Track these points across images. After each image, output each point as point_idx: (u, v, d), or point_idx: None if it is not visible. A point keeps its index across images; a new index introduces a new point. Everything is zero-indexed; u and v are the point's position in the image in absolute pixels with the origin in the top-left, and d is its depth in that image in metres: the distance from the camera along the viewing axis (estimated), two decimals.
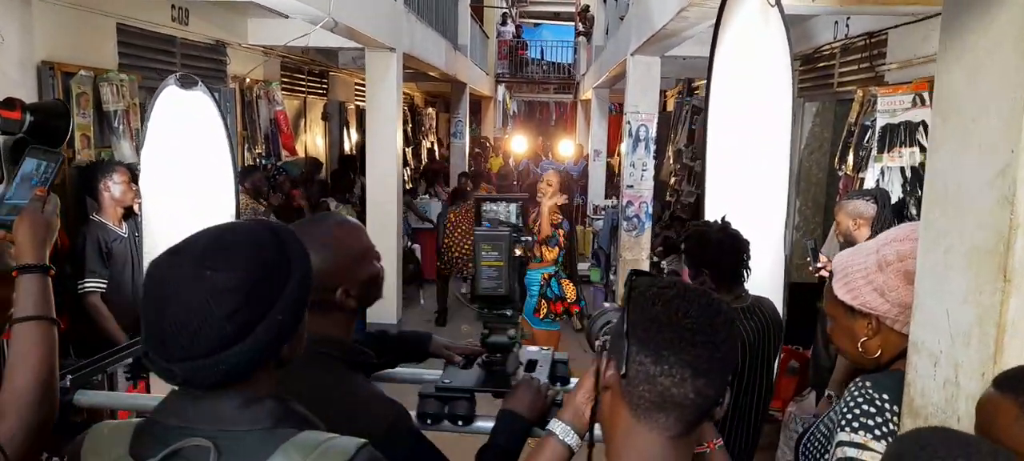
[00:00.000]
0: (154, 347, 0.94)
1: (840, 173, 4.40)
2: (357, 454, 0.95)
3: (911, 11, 3.84)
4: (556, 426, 1.23)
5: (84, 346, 3.32)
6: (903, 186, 3.64)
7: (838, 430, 1.38)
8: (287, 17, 5.71)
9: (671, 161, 9.16)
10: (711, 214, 2.78)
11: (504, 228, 1.69)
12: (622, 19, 8.05)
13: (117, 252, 3.55)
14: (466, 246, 6.89)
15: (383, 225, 6.25)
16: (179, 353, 0.93)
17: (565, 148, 14.74)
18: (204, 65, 5.57)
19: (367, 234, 1.48)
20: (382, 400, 1.37)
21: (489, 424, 1.51)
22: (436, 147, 14.26)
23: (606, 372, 1.06)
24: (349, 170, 7.70)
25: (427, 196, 9.37)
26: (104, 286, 3.47)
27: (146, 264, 3.34)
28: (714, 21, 2.85)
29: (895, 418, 1.36)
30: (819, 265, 3.60)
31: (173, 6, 5.07)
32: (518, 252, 1.65)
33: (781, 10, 3.04)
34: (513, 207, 1.81)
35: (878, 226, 3.31)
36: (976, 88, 1.17)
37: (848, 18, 4.79)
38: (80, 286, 3.42)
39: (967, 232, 1.17)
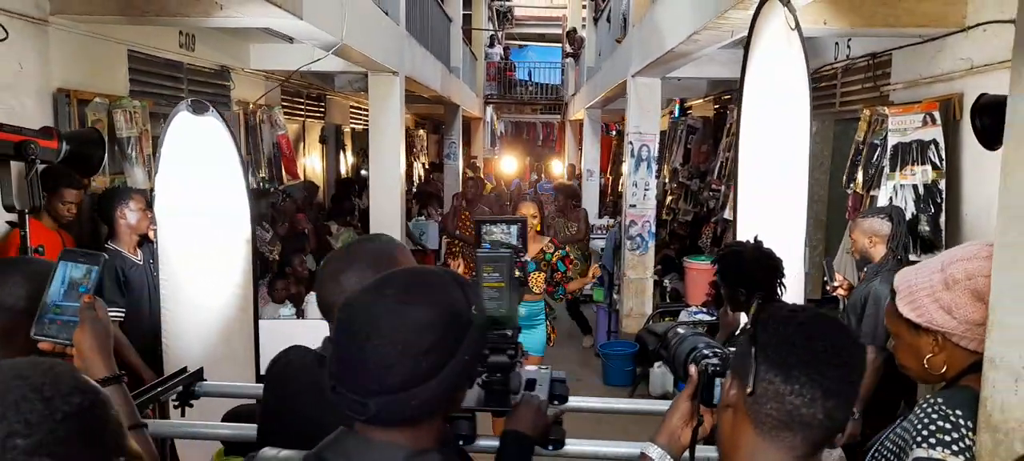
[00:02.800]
0: (349, 380, 0.97)
1: (848, 191, 4.47)
2: None
3: (916, 33, 3.94)
4: (652, 450, 1.24)
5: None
6: (916, 203, 3.71)
7: (914, 446, 1.40)
8: (290, 42, 5.74)
9: (667, 180, 9.26)
10: (743, 234, 2.82)
11: (505, 250, 1.73)
12: (619, 42, 8.15)
13: (134, 280, 3.52)
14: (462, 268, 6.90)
15: None
16: (374, 386, 0.96)
17: (557, 168, 14.84)
18: (210, 90, 5.56)
19: None
20: None
21: (491, 442, 1.56)
22: (428, 169, 14.29)
23: (730, 390, 1.08)
24: (349, 193, 7.69)
25: (422, 217, 9.37)
26: (122, 315, 3.43)
27: (163, 290, 3.30)
28: (742, 42, 2.91)
29: (970, 434, 1.38)
30: (836, 283, 3.65)
31: (181, 32, 5.07)
32: (518, 273, 1.69)
33: (800, 32, 3.11)
34: (514, 229, 1.85)
35: (893, 243, 3.37)
36: None
37: (849, 40, 4.90)
38: None
39: None
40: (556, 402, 1.78)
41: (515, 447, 1.47)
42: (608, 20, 10.00)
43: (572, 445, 1.66)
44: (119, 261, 3.47)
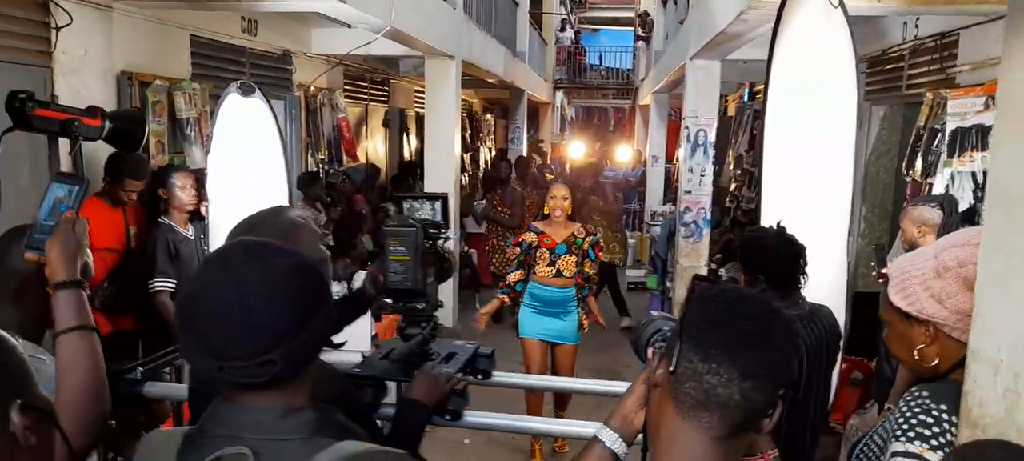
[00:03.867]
0: (239, 350, 0.96)
1: (907, 179, 4.26)
2: None
3: (983, 11, 3.69)
4: (603, 433, 1.24)
5: (154, 342, 3.48)
6: (974, 192, 3.49)
7: (893, 440, 1.35)
8: (350, 27, 5.88)
9: (731, 166, 9.01)
10: (767, 220, 2.73)
11: (413, 223, 1.76)
12: (681, 23, 7.97)
13: (184, 253, 3.68)
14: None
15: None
16: (270, 341, 0.97)
17: (623, 154, 14.64)
18: (271, 74, 5.77)
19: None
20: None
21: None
22: (496, 153, 14.36)
23: (656, 369, 1.07)
24: (408, 175, 7.83)
25: (484, 202, 9.44)
26: (173, 285, 3.61)
27: None
28: (773, 23, 2.80)
29: (953, 429, 1.32)
30: (884, 271, 3.48)
31: (243, 18, 5.28)
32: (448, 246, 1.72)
33: (845, 10, 2.97)
34: (438, 205, 1.88)
35: (944, 233, 3.18)
36: None
37: (917, 19, 4.63)
38: (150, 285, 3.57)
39: None
40: (479, 376, 1.82)
41: (409, 414, 1.52)
42: (676, 1, 9.78)
43: (483, 417, 1.68)
44: (171, 235, 3.65)
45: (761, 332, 0.98)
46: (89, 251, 1.51)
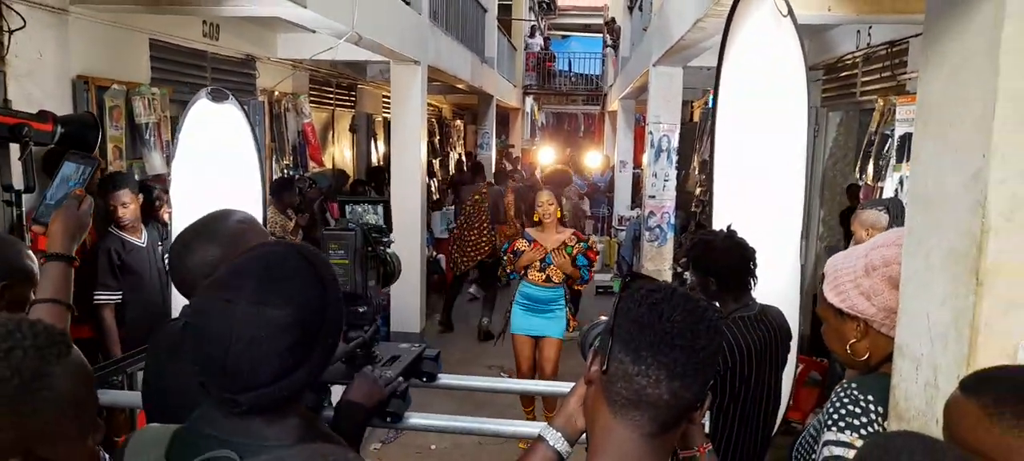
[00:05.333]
0: (216, 381, 1.01)
1: (860, 182, 4.37)
2: None
3: None
4: (547, 432, 1.25)
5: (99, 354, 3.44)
6: None
7: (825, 430, 1.40)
8: (314, 32, 5.86)
9: (696, 171, 9.15)
10: (718, 223, 2.80)
11: (352, 228, 1.78)
12: (645, 30, 8.07)
13: (133, 263, 3.61)
14: (471, 238, 6.99)
15: (407, 234, 6.34)
16: (242, 385, 1.00)
17: (592, 159, 14.75)
18: (234, 79, 5.72)
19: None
20: None
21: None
22: (464, 159, 14.39)
23: (590, 368, 1.09)
24: (373, 181, 7.81)
25: (454, 208, 9.45)
26: (115, 298, 3.56)
27: None
28: (723, 31, 2.87)
29: (879, 419, 1.37)
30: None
31: (205, 22, 5.23)
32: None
33: (794, 19, 3.05)
34: (380, 208, 1.91)
35: None
36: (952, 95, 1.19)
37: (870, 28, 4.77)
38: (94, 297, 3.52)
39: (945, 236, 1.19)
40: (424, 379, 1.84)
41: (347, 417, 1.52)
42: (640, 8, 9.90)
43: (427, 419, 1.70)
44: (116, 246, 3.58)
45: (688, 332, 1.00)
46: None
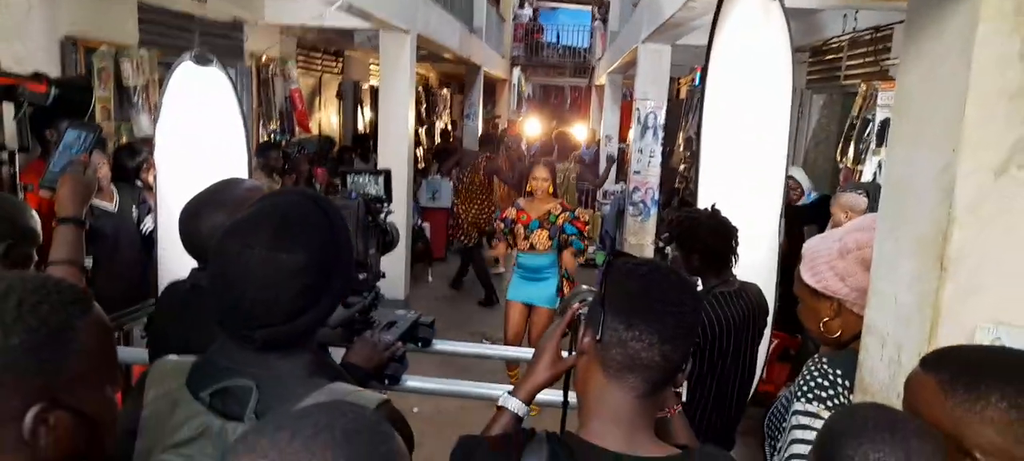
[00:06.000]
0: (234, 318, 1.09)
1: (841, 166, 4.47)
2: (377, 409, 1.08)
3: None
4: (510, 403, 1.33)
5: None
6: None
7: (795, 400, 1.49)
8: None
9: (681, 148, 9.23)
10: (703, 201, 2.87)
11: (354, 197, 1.85)
12: (635, 6, 8.09)
13: (103, 228, 3.54)
14: (473, 211, 7.08)
15: (393, 203, 6.35)
16: (258, 323, 1.08)
17: (579, 133, 14.80)
18: (222, 42, 5.68)
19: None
20: None
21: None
22: (450, 128, 14.36)
23: (583, 339, 1.18)
24: (358, 148, 7.82)
25: (438, 176, 9.47)
26: (86, 264, 3.53)
27: (161, 234, 3.44)
28: (714, 12, 2.92)
29: (845, 392, 1.46)
30: None
31: None
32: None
33: (782, 3, 3.11)
34: (380, 179, 1.98)
35: None
36: (928, 90, 1.26)
37: (857, 12, 4.84)
38: None
39: (914, 223, 1.26)
40: (419, 344, 1.92)
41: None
42: None
43: (423, 382, 1.78)
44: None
45: (676, 300, 1.11)
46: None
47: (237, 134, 3.55)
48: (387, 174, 1.99)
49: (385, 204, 1.96)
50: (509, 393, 1.36)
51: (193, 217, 1.56)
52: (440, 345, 2.06)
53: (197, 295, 1.54)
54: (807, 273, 1.60)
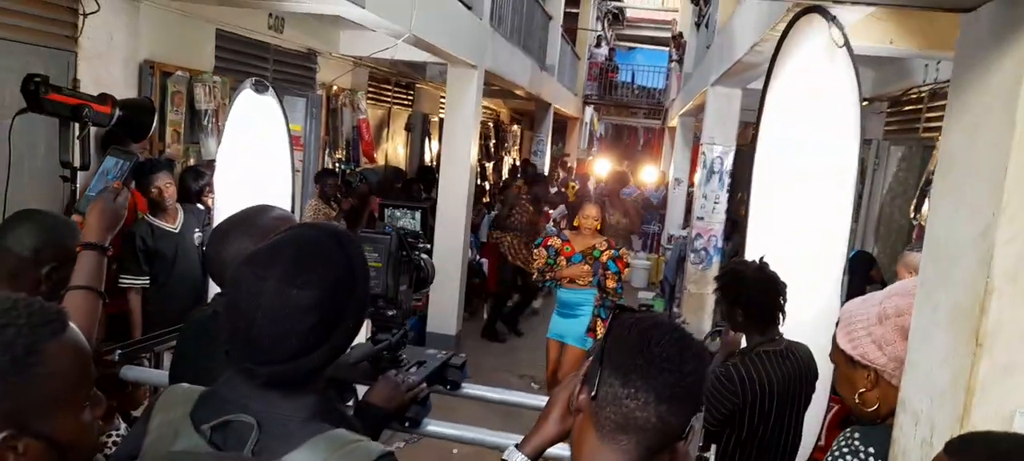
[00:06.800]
0: (240, 350, 1.08)
1: (914, 222, 4.22)
2: (379, 460, 1.04)
3: None
4: (515, 457, 1.25)
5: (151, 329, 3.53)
6: None
7: None
8: (375, 31, 5.99)
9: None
10: (752, 251, 2.75)
11: (388, 231, 1.79)
12: (708, 48, 7.97)
13: (163, 248, 3.65)
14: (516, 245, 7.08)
15: (450, 236, 6.41)
16: (264, 358, 1.06)
17: (648, 174, 14.62)
18: (295, 71, 5.89)
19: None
20: None
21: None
22: (518, 163, 14.45)
23: (579, 395, 1.11)
24: (423, 180, 7.92)
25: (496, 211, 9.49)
26: (140, 282, 3.60)
27: None
28: (771, 57, 2.82)
29: None
30: None
31: (270, 15, 5.41)
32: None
33: (850, 50, 2.97)
34: (417, 214, 1.94)
35: None
36: (971, 147, 1.16)
37: (938, 63, 4.60)
38: (120, 280, 3.56)
39: (952, 291, 1.15)
40: (448, 386, 1.85)
41: (365, 417, 1.54)
42: (707, 26, 9.77)
43: (440, 427, 1.72)
44: (142, 230, 3.60)
45: (676, 357, 1.03)
46: None
47: (284, 161, 3.65)
48: (425, 210, 1.97)
49: (420, 240, 1.93)
50: (516, 446, 1.29)
51: (219, 242, 1.57)
52: (469, 389, 1.99)
53: (217, 322, 1.55)
54: (843, 338, 1.48)
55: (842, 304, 3.14)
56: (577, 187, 12.08)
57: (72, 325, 0.97)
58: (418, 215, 1.98)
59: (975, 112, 1.15)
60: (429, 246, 1.99)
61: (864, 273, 3.96)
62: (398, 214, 2.00)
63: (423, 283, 1.95)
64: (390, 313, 1.83)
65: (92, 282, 1.54)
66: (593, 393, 1.05)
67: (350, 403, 1.73)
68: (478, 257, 7.84)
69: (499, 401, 2.12)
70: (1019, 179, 1.02)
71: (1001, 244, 1.02)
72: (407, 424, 1.68)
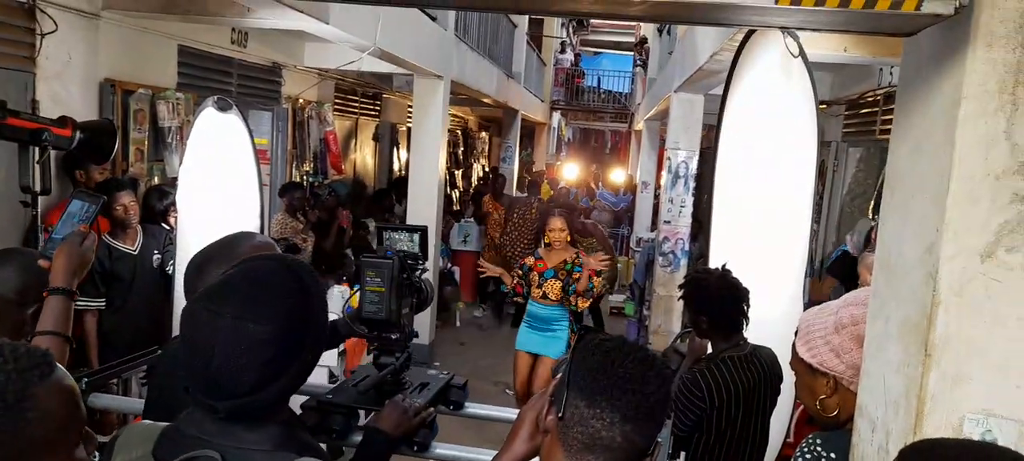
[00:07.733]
0: (200, 387, 1.08)
1: (873, 222, 4.33)
2: None
3: None
4: None
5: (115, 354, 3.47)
6: None
7: None
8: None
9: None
10: (716, 256, 2.81)
11: (390, 256, 1.80)
12: (670, 54, 8.09)
13: (120, 270, 3.61)
14: (520, 246, 7.12)
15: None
16: (223, 393, 1.06)
17: (617, 176, 14.76)
18: (260, 86, 5.84)
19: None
20: None
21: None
22: (487, 171, 14.46)
23: (546, 416, 1.14)
24: (392, 191, 7.90)
25: (473, 219, 9.50)
26: (95, 304, 3.54)
27: (178, 278, 3.50)
28: (730, 66, 2.89)
29: None
30: None
31: (233, 30, 5.36)
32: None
33: (805, 60, 3.05)
34: (416, 237, 1.92)
35: None
36: (915, 166, 1.21)
37: (892, 67, 4.73)
38: (75, 302, 3.49)
39: (902, 304, 1.20)
40: (451, 407, 1.85)
41: (372, 444, 1.55)
42: (669, 32, 9.91)
43: (447, 449, 1.72)
44: (100, 252, 3.47)
45: (639, 377, 1.06)
46: None
47: (251, 179, 3.61)
48: (424, 231, 1.97)
49: (420, 262, 1.92)
50: None
51: (197, 271, 1.54)
52: (471, 408, 1.99)
53: None
54: (802, 347, 1.53)
55: (805, 301, 3.24)
56: (551, 192, 12.14)
57: (58, 366, 0.98)
58: (417, 237, 1.96)
59: (918, 132, 1.21)
60: (428, 267, 1.98)
61: (851, 272, 3.96)
62: (397, 237, 1.98)
63: (423, 305, 1.95)
64: (393, 337, 1.82)
65: (59, 327, 1.52)
66: (560, 413, 1.08)
67: (339, 429, 1.71)
68: (449, 265, 7.85)
69: (499, 419, 2.13)
70: (961, 197, 1.07)
71: (946, 260, 1.08)
72: (415, 448, 1.68)
